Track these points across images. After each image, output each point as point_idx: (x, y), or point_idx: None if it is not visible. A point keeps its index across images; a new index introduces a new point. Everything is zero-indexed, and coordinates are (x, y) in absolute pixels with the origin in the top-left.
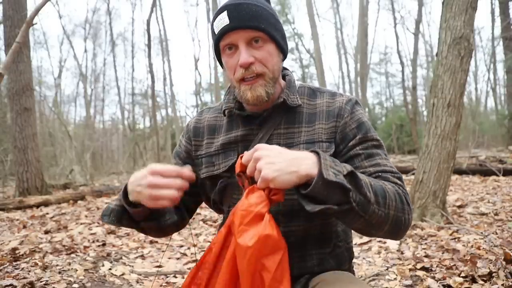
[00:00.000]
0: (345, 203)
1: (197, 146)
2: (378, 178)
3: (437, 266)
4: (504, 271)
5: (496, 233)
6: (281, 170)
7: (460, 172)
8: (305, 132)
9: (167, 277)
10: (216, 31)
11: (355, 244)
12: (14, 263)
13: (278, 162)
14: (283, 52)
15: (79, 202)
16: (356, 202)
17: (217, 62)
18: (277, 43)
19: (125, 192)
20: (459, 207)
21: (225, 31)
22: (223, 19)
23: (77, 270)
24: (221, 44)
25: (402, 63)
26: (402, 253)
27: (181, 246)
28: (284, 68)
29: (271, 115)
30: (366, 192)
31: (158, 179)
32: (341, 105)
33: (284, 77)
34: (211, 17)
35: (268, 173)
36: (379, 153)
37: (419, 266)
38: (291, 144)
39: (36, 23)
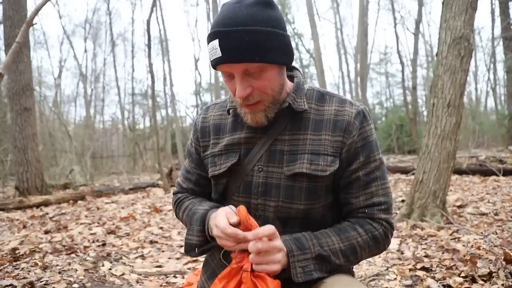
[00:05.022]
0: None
1: (205, 147)
2: (360, 219)
3: (437, 266)
4: (504, 271)
5: (496, 233)
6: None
7: (460, 172)
8: (310, 140)
9: (167, 277)
10: (210, 59)
11: None
12: (14, 263)
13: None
14: (288, 63)
15: (79, 202)
16: (326, 271)
17: None
18: (278, 62)
19: (202, 228)
20: (459, 207)
21: (218, 63)
22: (216, 49)
23: (77, 270)
24: (218, 69)
25: (402, 63)
26: (402, 253)
27: (181, 246)
28: (294, 68)
29: (276, 119)
30: (335, 261)
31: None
32: (350, 119)
33: (292, 79)
34: (211, 17)
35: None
36: (377, 177)
37: (419, 266)
38: (295, 152)
39: (36, 23)
